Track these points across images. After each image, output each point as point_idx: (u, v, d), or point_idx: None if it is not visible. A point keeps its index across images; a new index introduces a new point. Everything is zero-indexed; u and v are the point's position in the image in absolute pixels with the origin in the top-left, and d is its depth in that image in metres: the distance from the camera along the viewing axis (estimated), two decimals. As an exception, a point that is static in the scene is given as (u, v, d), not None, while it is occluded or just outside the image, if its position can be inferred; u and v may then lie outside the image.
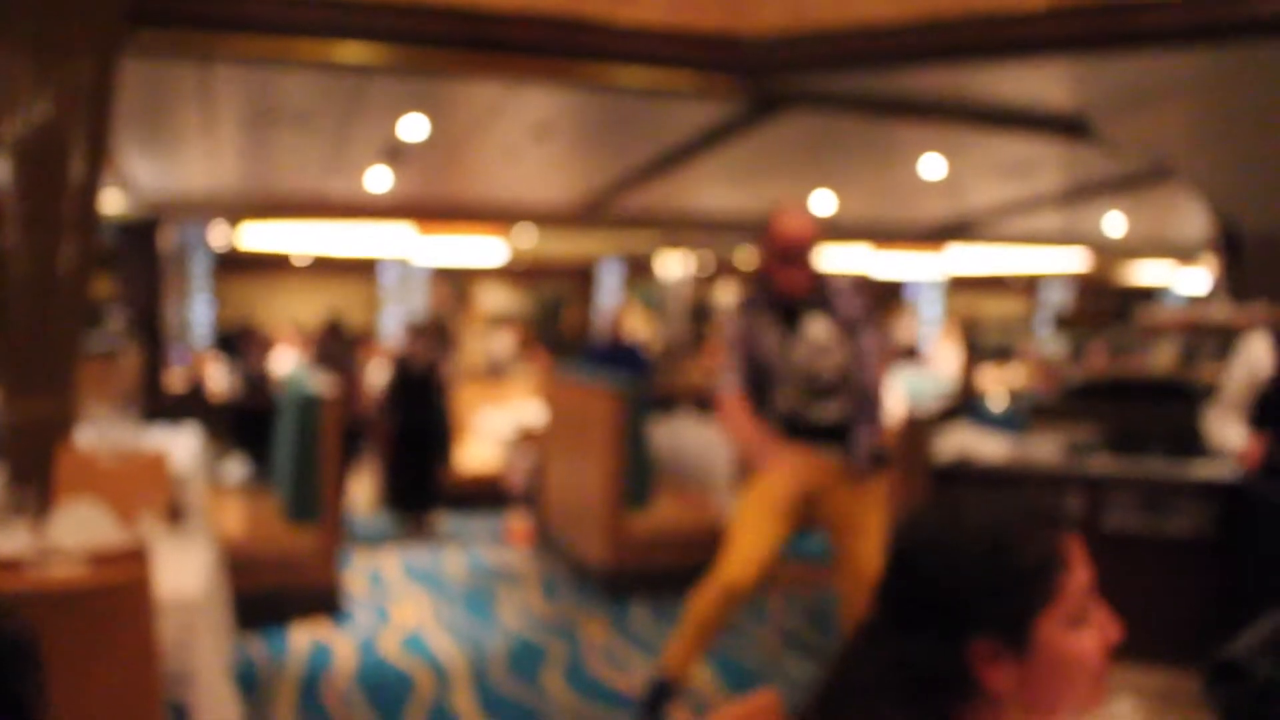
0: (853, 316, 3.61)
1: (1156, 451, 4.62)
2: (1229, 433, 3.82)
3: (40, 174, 3.95)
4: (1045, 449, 4.72)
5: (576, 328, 14.81)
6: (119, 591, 2.58)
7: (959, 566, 1.07)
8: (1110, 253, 12.44)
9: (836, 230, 10.68)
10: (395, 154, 6.57)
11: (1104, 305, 15.00)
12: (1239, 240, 5.95)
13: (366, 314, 13.47)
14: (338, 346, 7.75)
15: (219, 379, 9.64)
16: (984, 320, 15.25)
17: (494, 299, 14.28)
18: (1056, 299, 15.54)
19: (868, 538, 3.59)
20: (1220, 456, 4.09)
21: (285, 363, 11.68)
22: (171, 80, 5.30)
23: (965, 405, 5.08)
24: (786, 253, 3.47)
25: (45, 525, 3.39)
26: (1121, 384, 5.23)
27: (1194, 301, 9.77)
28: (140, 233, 8.73)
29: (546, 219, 9.72)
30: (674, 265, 12.64)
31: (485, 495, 8.17)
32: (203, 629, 3.07)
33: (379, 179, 7.23)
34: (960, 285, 14.87)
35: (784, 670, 4.54)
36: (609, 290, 14.59)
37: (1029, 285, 15.50)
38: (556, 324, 14.96)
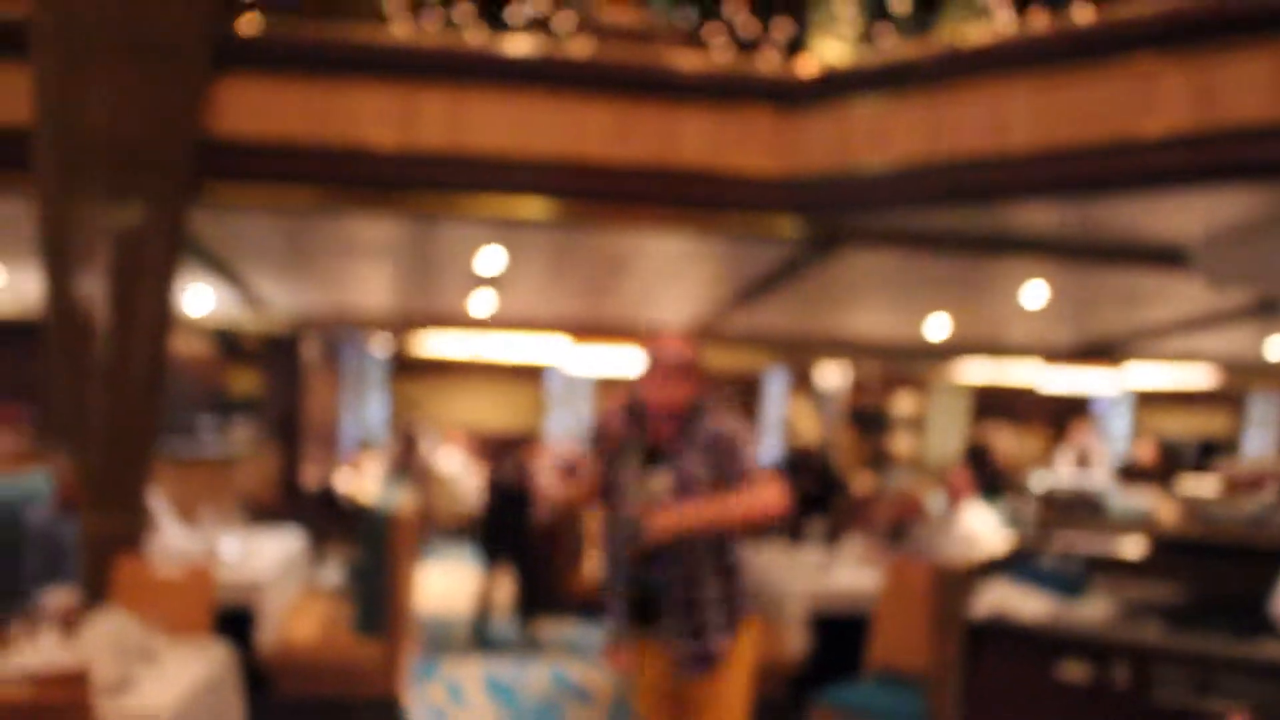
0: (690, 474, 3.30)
1: (1219, 622, 4.22)
2: None
3: (119, 305, 4.52)
4: (1094, 611, 4.41)
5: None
6: (56, 713, 2.86)
7: None
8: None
9: (990, 347, 10.47)
10: (490, 282, 7.03)
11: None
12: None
13: (534, 418, 14.08)
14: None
15: (366, 478, 10.26)
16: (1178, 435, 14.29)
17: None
18: (1264, 414, 14.31)
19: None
20: None
21: (448, 463, 12.35)
22: (283, 219, 5.86)
23: (1011, 558, 4.79)
24: (657, 367, 3.34)
25: (76, 637, 3.78)
26: (1210, 541, 4.78)
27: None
28: (282, 345, 9.63)
29: (673, 335, 10.06)
30: (832, 376, 12.58)
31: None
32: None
33: (482, 303, 7.72)
34: (1149, 400, 14.04)
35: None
36: (774, 397, 14.59)
37: (1229, 399, 14.36)
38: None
